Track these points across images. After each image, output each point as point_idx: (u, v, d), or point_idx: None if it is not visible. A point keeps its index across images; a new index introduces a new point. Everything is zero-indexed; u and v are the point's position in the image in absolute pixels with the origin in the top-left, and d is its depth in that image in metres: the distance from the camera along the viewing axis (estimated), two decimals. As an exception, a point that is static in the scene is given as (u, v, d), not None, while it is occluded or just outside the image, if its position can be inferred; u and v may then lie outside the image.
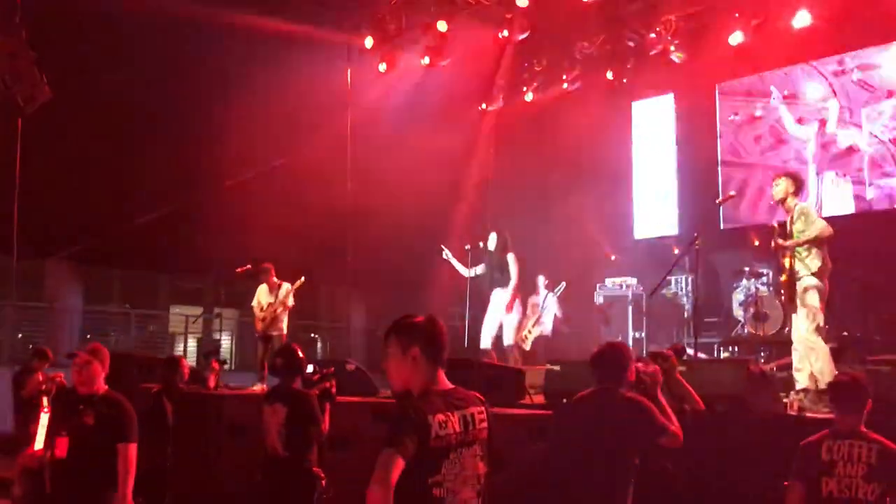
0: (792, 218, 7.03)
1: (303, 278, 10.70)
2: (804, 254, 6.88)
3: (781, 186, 7.12)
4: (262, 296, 10.82)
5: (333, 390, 5.57)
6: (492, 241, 9.87)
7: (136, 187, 13.27)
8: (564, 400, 5.97)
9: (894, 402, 4.67)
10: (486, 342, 9.70)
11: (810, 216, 6.98)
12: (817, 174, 12.28)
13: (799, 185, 7.21)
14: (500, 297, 9.77)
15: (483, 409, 3.11)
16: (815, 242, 6.82)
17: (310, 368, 5.82)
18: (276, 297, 10.62)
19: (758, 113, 13.27)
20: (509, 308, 9.72)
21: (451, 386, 3.11)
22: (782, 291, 7.09)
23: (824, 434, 3.99)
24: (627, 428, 4.07)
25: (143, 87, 12.60)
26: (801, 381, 6.87)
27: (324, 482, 5.28)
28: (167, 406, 6.72)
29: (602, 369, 4.31)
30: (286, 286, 10.70)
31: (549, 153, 14.71)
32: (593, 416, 4.18)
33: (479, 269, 9.91)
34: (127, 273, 17.06)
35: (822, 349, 6.78)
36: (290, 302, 10.67)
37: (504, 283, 9.72)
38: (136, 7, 11.19)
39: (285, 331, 10.81)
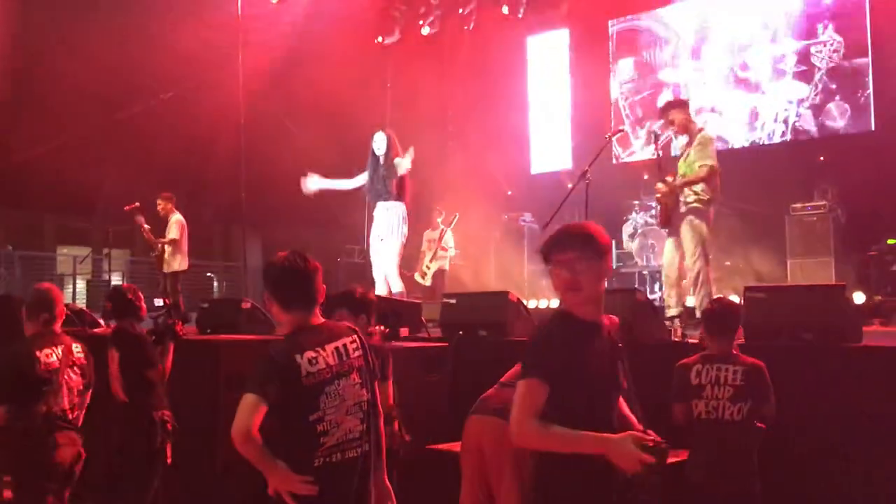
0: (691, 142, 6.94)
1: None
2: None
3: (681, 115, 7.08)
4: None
5: (177, 327, 5.38)
6: (379, 143, 8.00)
7: (17, 122, 12.58)
8: (461, 332, 6.11)
9: (767, 328, 4.94)
10: (377, 272, 8.14)
11: (707, 148, 6.84)
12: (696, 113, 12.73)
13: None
14: (384, 215, 8.01)
15: (355, 337, 3.17)
16: (702, 179, 6.76)
17: (159, 302, 5.57)
18: (167, 233, 10.40)
19: (645, 53, 13.55)
20: (401, 236, 7.98)
21: (321, 321, 3.17)
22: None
23: (696, 358, 4.21)
24: None
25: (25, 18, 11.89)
26: (673, 306, 7.10)
27: (169, 426, 5.05)
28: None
29: None
30: (174, 218, 10.44)
31: (446, 89, 14.66)
32: None
33: (362, 178, 8.14)
34: (8, 213, 16.28)
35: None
36: (174, 235, 10.35)
37: (388, 195, 7.94)
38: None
39: (177, 267, 10.48)
